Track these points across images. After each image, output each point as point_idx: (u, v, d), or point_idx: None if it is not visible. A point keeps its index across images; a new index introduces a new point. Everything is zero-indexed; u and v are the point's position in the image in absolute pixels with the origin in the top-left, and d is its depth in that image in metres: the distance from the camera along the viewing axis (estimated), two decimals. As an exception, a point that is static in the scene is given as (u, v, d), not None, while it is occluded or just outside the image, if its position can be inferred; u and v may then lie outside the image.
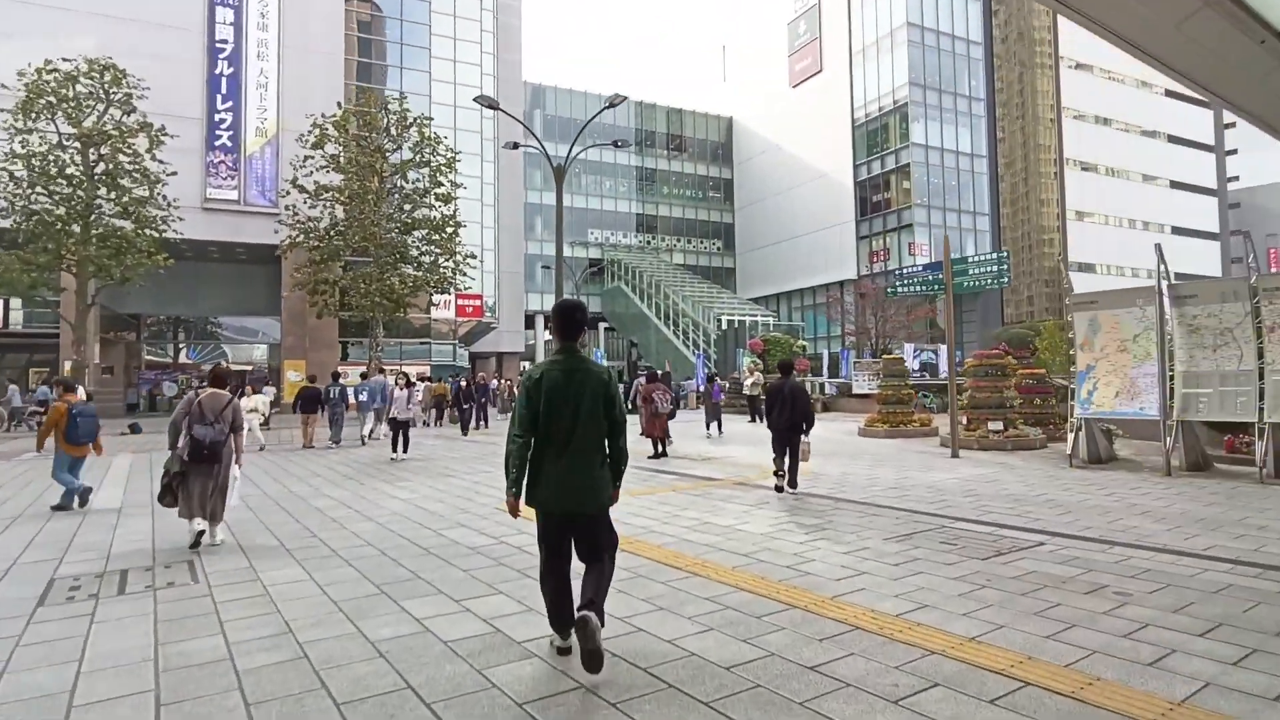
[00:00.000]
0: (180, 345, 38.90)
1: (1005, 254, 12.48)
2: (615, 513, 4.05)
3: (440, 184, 27.20)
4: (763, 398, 22.23)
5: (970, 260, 12.92)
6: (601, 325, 58.46)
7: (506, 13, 46.36)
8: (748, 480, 9.87)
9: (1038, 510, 7.40)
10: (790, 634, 3.89)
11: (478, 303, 38.97)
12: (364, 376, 31.93)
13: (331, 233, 26.08)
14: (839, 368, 37.79)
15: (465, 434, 18.91)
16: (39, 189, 22.96)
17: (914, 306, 36.65)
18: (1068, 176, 60.74)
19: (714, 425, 17.44)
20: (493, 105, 12.79)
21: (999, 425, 13.79)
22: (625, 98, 12.96)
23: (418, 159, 27.39)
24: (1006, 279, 12.05)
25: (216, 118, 31.04)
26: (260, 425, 16.80)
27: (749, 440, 15.96)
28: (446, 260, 27.76)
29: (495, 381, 30.66)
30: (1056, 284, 71.70)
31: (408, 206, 27.61)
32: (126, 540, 6.76)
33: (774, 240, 58.95)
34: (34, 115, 22.89)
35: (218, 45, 31.06)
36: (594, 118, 14.13)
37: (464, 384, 20.48)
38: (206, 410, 6.45)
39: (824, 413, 25.24)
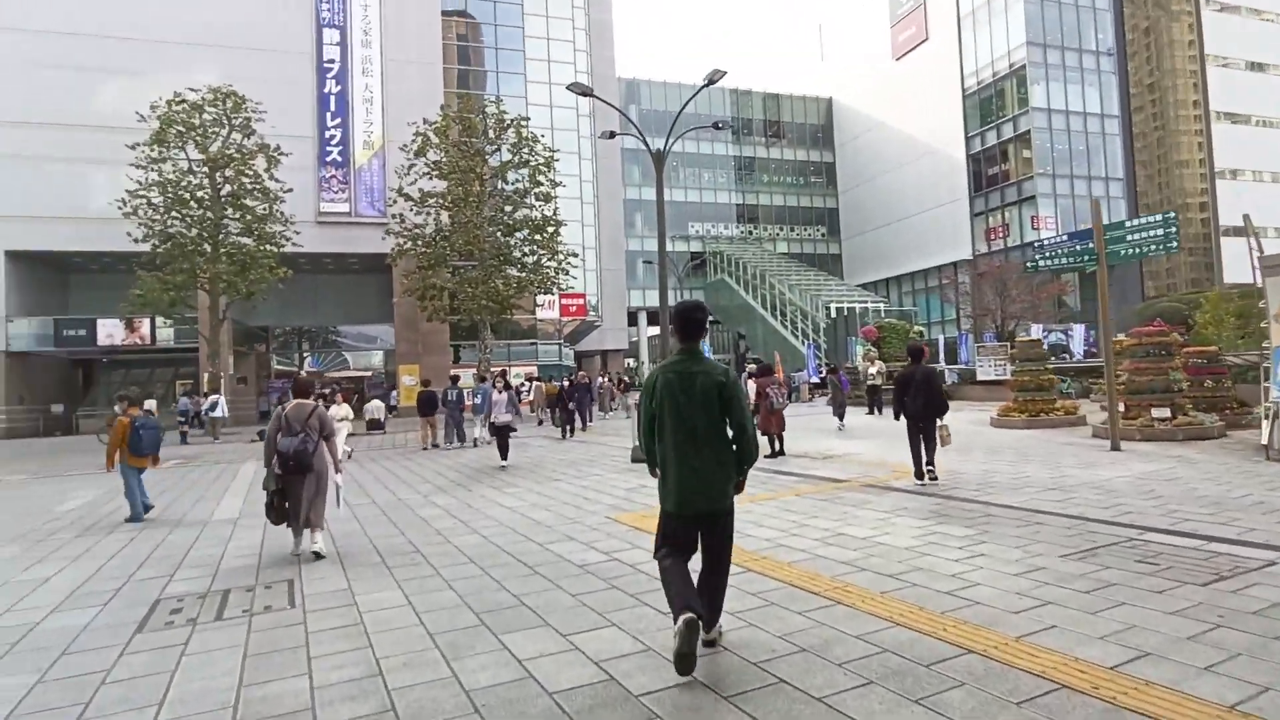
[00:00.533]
0: (305, 354, 41.13)
1: (1172, 215, 10.79)
2: (737, 523, 3.94)
3: (539, 183, 27.24)
4: (885, 388, 20.96)
5: (1128, 226, 11.29)
6: (708, 318, 57.50)
7: (598, 8, 46.35)
8: (878, 481, 8.89)
9: (1248, 517, 6.11)
10: (974, 693, 3.07)
11: (580, 301, 39.12)
12: (482, 379, 32.93)
13: (437, 238, 26.61)
14: (957, 353, 35.36)
15: (566, 436, 18.07)
16: (173, 213, 24.59)
17: (1041, 284, 33.68)
18: (1214, 131, 54.72)
19: (840, 417, 17.27)
20: (586, 92, 12.30)
21: (1165, 412, 12.07)
22: (724, 73, 12.16)
23: (516, 160, 27.54)
24: (1175, 244, 10.41)
25: (327, 134, 32.46)
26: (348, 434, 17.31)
27: (873, 434, 14.81)
28: (549, 260, 27.79)
29: (601, 379, 30.64)
30: (1203, 253, 64.80)
31: (508, 208, 27.83)
32: (237, 554, 6.66)
33: (881, 223, 56.21)
34: (167, 145, 24.54)
35: (325, 65, 32.45)
36: (694, 95, 13.38)
37: (565, 383, 20.00)
38: (292, 421, 6.40)
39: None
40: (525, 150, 27.49)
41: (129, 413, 8.78)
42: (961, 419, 17.53)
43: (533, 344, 38.67)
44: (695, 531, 3.67)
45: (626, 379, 39.57)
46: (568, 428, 18.52)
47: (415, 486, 10.61)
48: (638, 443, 11.84)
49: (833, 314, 42.85)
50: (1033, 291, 31.30)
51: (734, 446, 3.67)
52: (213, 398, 23.48)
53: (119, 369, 35.01)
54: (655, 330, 68.01)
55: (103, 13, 29.77)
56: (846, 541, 5.85)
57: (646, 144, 13.08)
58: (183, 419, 23.37)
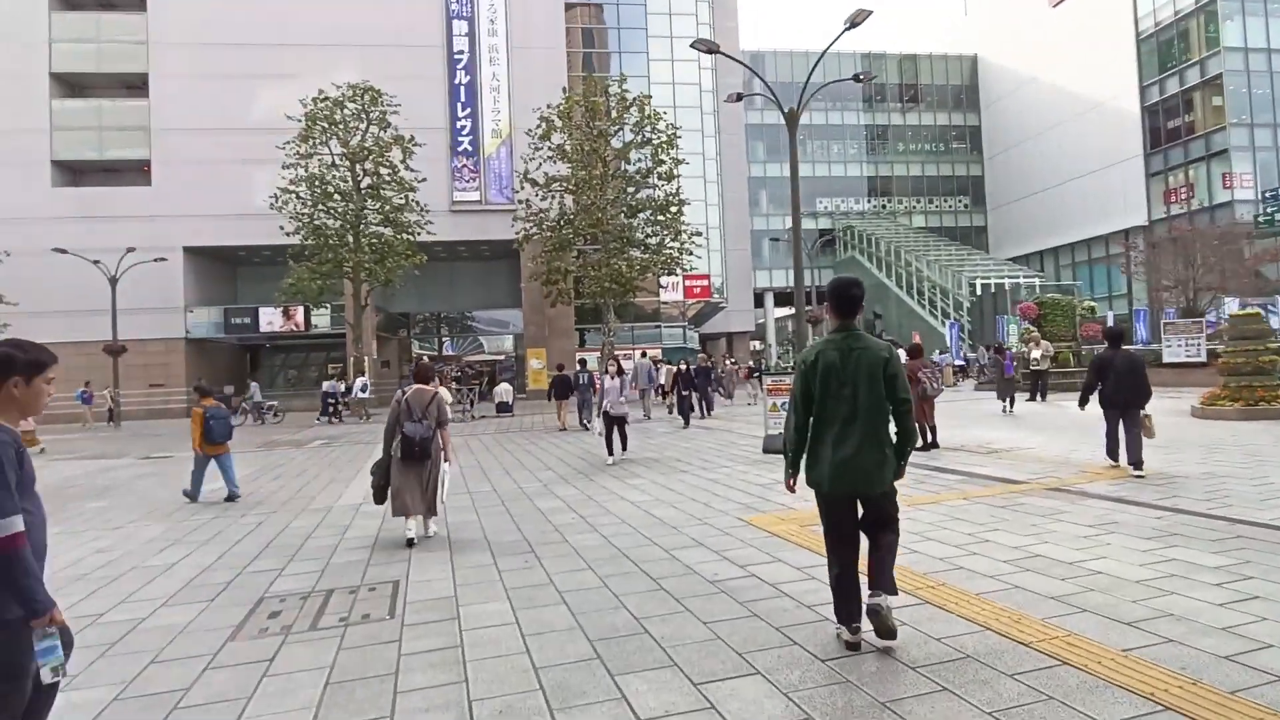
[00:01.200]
0: (443, 338, 42.79)
1: None
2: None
3: (662, 161, 26.45)
4: (1050, 371, 18.62)
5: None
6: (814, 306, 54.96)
7: (721, -21, 44.81)
8: (1065, 484, 7.45)
9: None
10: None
11: (705, 283, 38.15)
12: (704, 360, 33.04)
13: (561, 222, 26.49)
14: (1133, 332, 31.37)
15: (686, 424, 16.68)
16: (319, 206, 25.87)
17: (1231, 251, 28.77)
18: None
19: (1006, 402, 16.20)
20: (712, 49, 11.34)
21: None
22: (869, 12, 10.76)
23: (638, 139, 26.89)
24: None
25: (458, 124, 33.20)
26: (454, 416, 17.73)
27: (1042, 424, 12.99)
28: (672, 240, 27.04)
29: (726, 362, 29.47)
30: None
31: (631, 189, 27.27)
32: (352, 545, 6.36)
33: (1034, 189, 51.17)
34: (313, 141, 25.80)
35: (455, 56, 33.13)
36: (835, 39, 12.05)
37: (682, 367, 18.35)
38: (414, 407, 6.42)
39: (1123, 387, 20.63)
40: (648, 128, 26.75)
41: (203, 403, 9.15)
42: (1151, 408, 15.17)
43: (657, 327, 38.14)
44: (855, 513, 3.61)
45: (752, 363, 38.08)
46: (689, 415, 17.36)
47: (537, 474, 10.18)
48: (770, 432, 11.07)
49: (978, 291, 39.44)
50: (1244, 259, 26.76)
51: (894, 424, 3.59)
52: (360, 380, 24.60)
53: (280, 353, 37.82)
54: (783, 311, 65.91)
55: (254, 24, 31.78)
56: (1046, 566, 4.66)
57: (778, 102, 11.96)
58: (331, 400, 24.72)
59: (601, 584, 4.78)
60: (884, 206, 56.76)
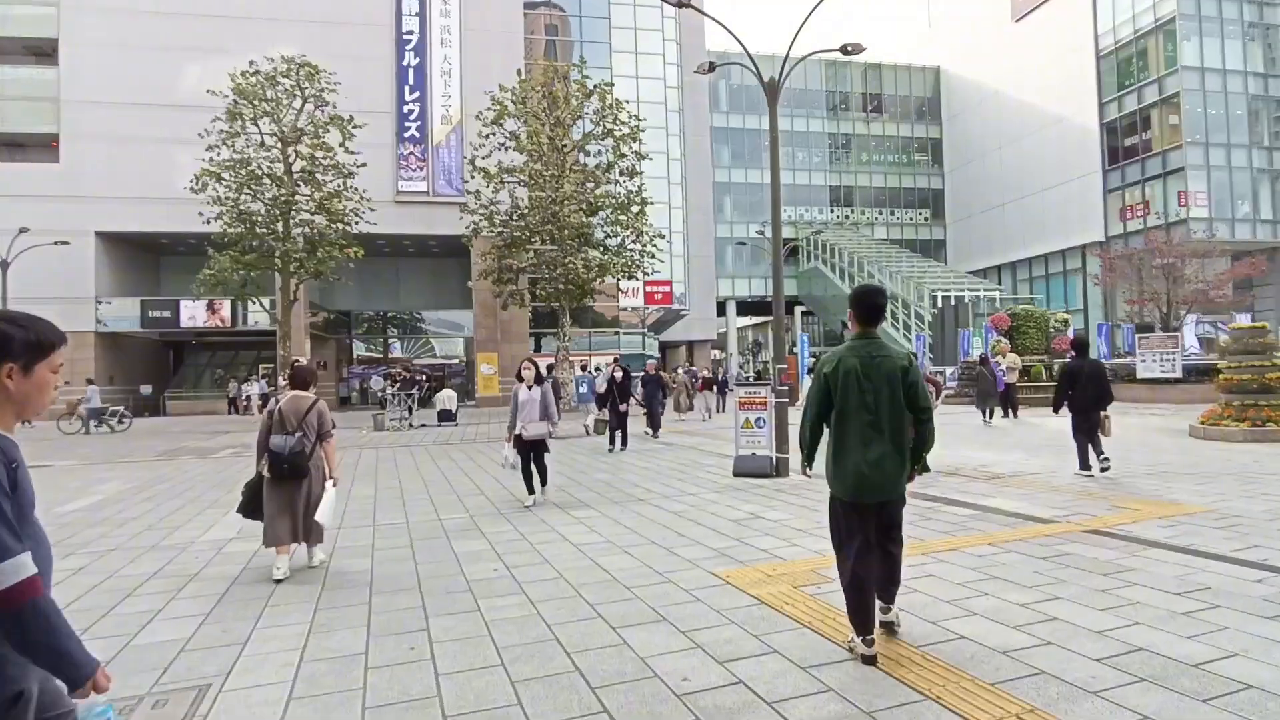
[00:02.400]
0: (390, 340, 40.48)
1: None
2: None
3: (624, 155, 24.96)
4: (1019, 385, 17.64)
5: None
6: (798, 309, 54.26)
7: (687, -24, 43.60)
8: (1104, 524, 6.09)
9: None
10: None
11: (667, 289, 36.72)
12: (584, 369, 31.36)
13: (513, 216, 24.78)
14: (1095, 347, 30.91)
15: (613, 446, 13.33)
16: (246, 191, 23.68)
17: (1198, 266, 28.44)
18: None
19: (994, 412, 16.05)
20: (682, 3, 9.85)
21: None
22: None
23: (599, 130, 25.35)
24: None
25: (405, 109, 31.20)
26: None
27: (1025, 441, 11.79)
28: (633, 241, 25.54)
29: (679, 370, 27.28)
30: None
31: (590, 184, 25.69)
32: (181, 607, 4.60)
33: (994, 204, 51.21)
34: (241, 119, 23.61)
35: (404, 36, 31.16)
36: (812, 12, 10.72)
37: (616, 374, 14.50)
38: (288, 417, 5.29)
39: (1097, 403, 19.81)
40: (609, 119, 25.25)
41: None
42: (1133, 424, 14.19)
43: (616, 333, 36.60)
44: (872, 520, 3.59)
45: (708, 372, 36.51)
46: (620, 434, 13.45)
47: (466, 500, 8.49)
48: (741, 452, 9.69)
49: (939, 304, 38.89)
50: (1220, 272, 26.14)
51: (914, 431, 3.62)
52: (258, 384, 22.40)
53: (206, 351, 35.09)
54: (745, 321, 65.02)
55: (188, -9, 29.34)
56: (1164, 671, 3.21)
57: (758, 71, 10.62)
58: (261, 403, 22.44)
59: (513, 699, 3.17)
60: (846, 217, 56.26)
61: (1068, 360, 9.36)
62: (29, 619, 1.51)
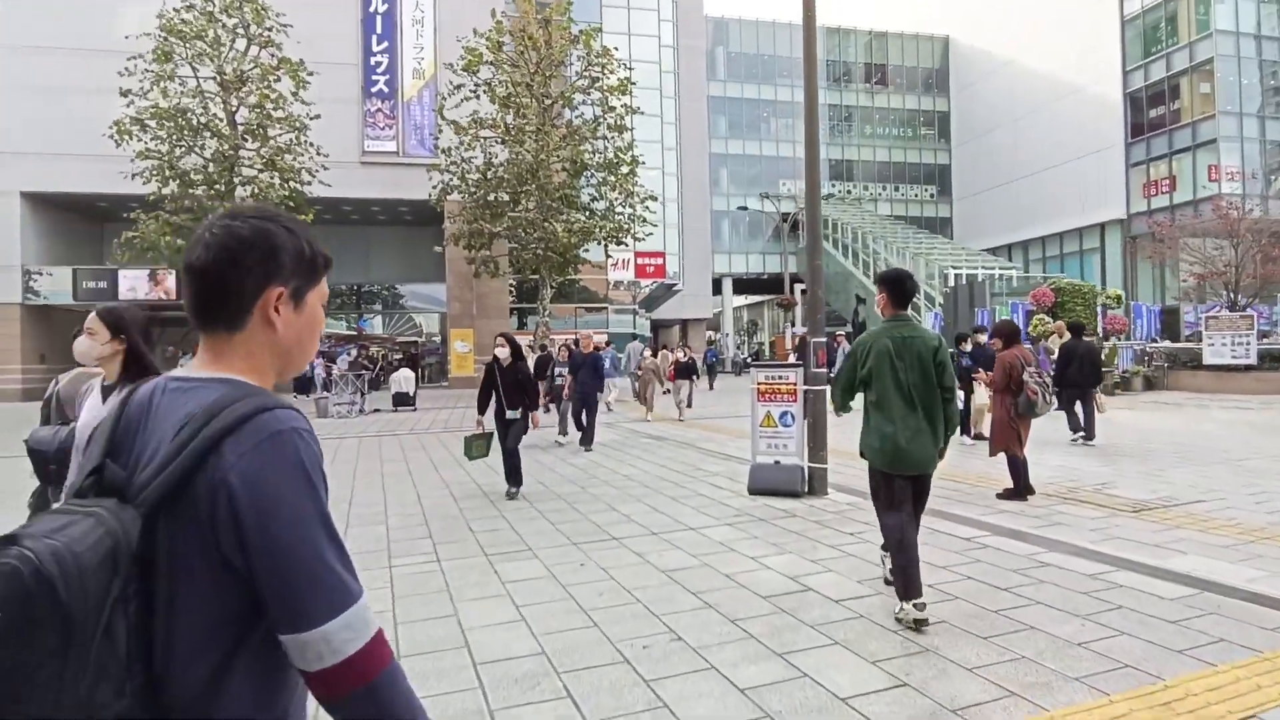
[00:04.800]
0: (366, 315, 37.63)
1: None
2: None
3: (612, 108, 22.10)
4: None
5: None
6: (799, 288, 51.49)
7: (684, -73, 40.52)
8: None
9: None
10: None
11: (659, 261, 34.09)
12: (542, 348, 28.36)
13: (487, 173, 21.95)
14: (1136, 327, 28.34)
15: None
16: (181, 143, 20.77)
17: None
18: None
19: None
20: None
21: None
22: None
23: (584, 80, 22.46)
24: None
25: (372, 61, 28.15)
26: None
27: (1123, 448, 9.18)
28: (622, 204, 22.76)
29: (645, 352, 18.22)
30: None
31: (574, 140, 22.82)
32: None
33: (1004, 180, 48.51)
34: (175, 63, 20.63)
35: (370, -22, 28.06)
36: None
37: (542, 352, 12.23)
38: (64, 403, 3.36)
39: (1149, 391, 17.30)
40: (596, 68, 22.36)
41: None
42: (1197, 419, 11.64)
43: (603, 308, 33.83)
44: (906, 490, 3.80)
45: (682, 354, 28.60)
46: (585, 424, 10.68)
47: (396, 513, 5.84)
48: (759, 458, 6.29)
49: (951, 282, 36.30)
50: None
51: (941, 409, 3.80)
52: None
53: (155, 327, 32.08)
54: (741, 300, 62.22)
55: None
56: None
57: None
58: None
59: None
60: (849, 192, 53.48)
61: (1065, 341, 10.08)
62: (384, 697, 0.94)
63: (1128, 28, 40.06)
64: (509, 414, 7.03)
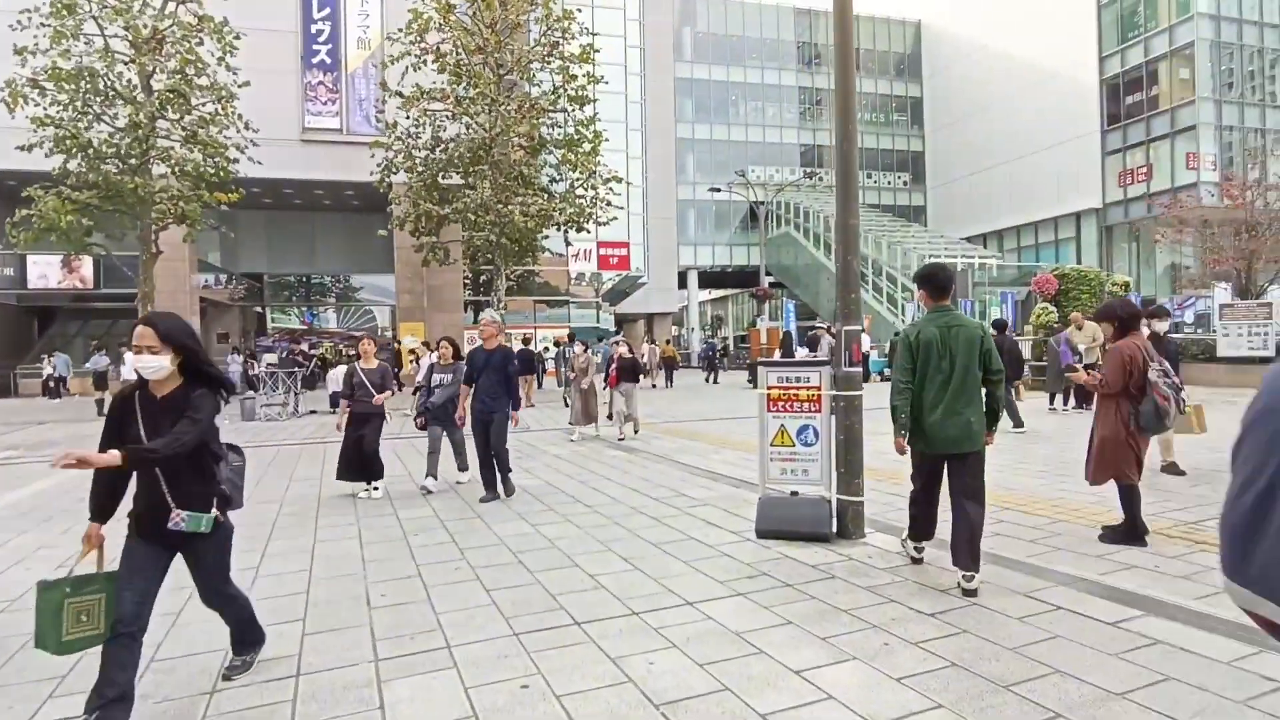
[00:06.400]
0: (315, 309, 35.18)
1: None
2: None
3: (574, 77, 20.16)
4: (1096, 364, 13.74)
5: None
6: (765, 280, 50.01)
7: (652, -102, 38.59)
8: None
9: None
10: None
11: (624, 252, 32.26)
12: (525, 341, 26.34)
13: (435, 150, 19.88)
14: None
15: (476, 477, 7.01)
16: (88, 111, 18.29)
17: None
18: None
19: (1061, 397, 12.93)
20: None
21: None
22: None
23: (542, 46, 20.47)
24: None
25: (313, 29, 25.74)
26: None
27: (1183, 458, 7.61)
28: (584, 185, 20.87)
29: (577, 347, 12.78)
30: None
31: (532, 115, 20.83)
32: None
33: (979, 168, 47.64)
34: (78, 19, 18.10)
35: (308, -64, 25.62)
36: None
37: (434, 355, 8.96)
38: None
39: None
40: (556, 33, 20.40)
41: None
42: (1233, 419, 10.15)
43: (565, 303, 31.89)
44: (943, 466, 4.02)
45: (625, 349, 19.17)
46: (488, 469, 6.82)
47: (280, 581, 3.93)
48: (770, 486, 4.50)
49: (930, 271, 35.08)
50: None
51: (986, 395, 4.00)
52: (127, 355, 17.28)
53: (77, 319, 29.29)
54: (706, 294, 60.38)
55: None
56: None
57: None
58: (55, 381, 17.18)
59: None
60: (820, 179, 52.13)
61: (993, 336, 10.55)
62: None
63: (1104, 12, 39.27)
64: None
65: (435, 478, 7.24)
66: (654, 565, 4.47)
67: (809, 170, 51.97)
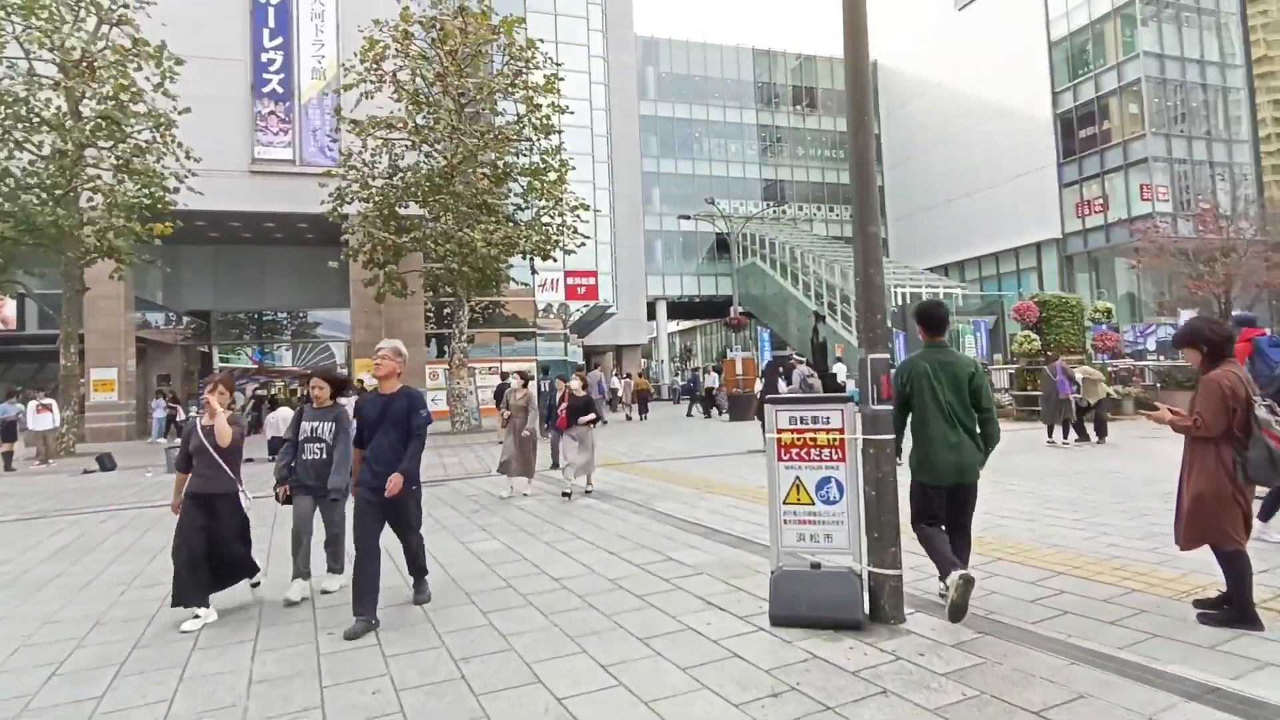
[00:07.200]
0: (267, 346, 33.44)
1: None
2: None
3: (538, 106, 19.42)
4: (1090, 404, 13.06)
5: None
6: (734, 310, 49.56)
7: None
8: None
9: None
10: None
11: (591, 281, 31.36)
12: (504, 378, 24.99)
13: (394, 177, 18.88)
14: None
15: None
16: (7, 136, 16.94)
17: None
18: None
19: (1060, 431, 12.24)
20: None
21: None
22: None
23: (504, 75, 19.73)
24: None
25: (264, 58, 24.68)
26: None
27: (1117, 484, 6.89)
28: (550, 213, 20.02)
29: (513, 379, 10.57)
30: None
31: (493, 142, 19.99)
32: None
33: (939, 201, 48.17)
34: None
35: (258, -38, 24.72)
36: None
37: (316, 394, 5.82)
38: None
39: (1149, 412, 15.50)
40: (520, 63, 19.69)
41: None
42: None
43: (532, 334, 30.77)
44: (945, 500, 4.08)
45: (577, 384, 8.96)
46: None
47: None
48: (782, 561, 4.09)
49: (900, 301, 34.93)
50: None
51: (979, 426, 4.10)
52: (30, 405, 15.61)
53: (1, 362, 27.33)
54: (675, 325, 59.82)
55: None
56: None
57: None
58: None
59: None
60: (784, 212, 52.21)
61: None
62: None
63: (1055, 50, 40.21)
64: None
65: (306, 577, 5.05)
66: (642, 676, 3.42)
67: (770, 204, 52.07)
